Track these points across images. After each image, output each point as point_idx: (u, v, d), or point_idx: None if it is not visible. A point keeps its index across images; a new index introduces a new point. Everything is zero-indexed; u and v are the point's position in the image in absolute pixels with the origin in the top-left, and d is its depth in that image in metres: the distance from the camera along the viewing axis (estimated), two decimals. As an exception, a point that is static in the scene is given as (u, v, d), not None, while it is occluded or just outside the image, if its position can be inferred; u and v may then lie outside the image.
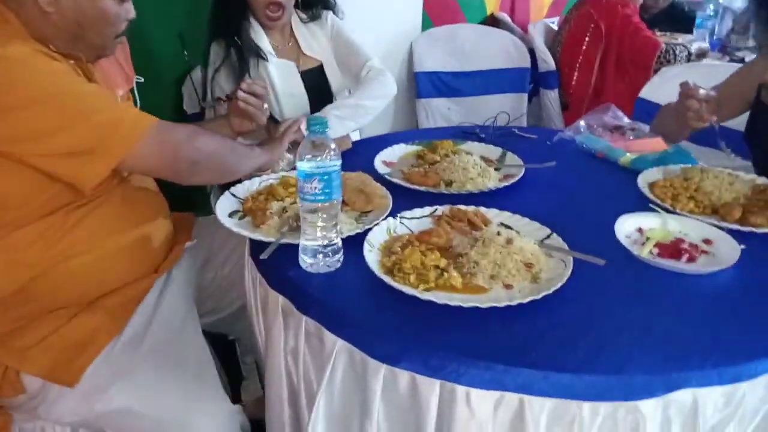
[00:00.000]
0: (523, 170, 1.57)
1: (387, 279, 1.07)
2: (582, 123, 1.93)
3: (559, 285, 1.05)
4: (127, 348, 1.29)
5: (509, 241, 1.15)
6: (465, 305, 1.00)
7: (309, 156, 1.06)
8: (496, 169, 1.59)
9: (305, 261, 1.14)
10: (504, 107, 2.36)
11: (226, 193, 1.40)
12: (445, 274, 1.10)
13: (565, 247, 1.19)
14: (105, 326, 1.27)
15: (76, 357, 1.22)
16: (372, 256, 1.15)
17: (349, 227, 1.27)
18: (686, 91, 1.58)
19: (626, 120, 1.96)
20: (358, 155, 1.71)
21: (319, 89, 1.95)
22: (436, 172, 1.55)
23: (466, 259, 1.15)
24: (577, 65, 2.86)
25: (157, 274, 1.40)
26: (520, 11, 3.58)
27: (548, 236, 1.23)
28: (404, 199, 1.42)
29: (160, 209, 1.46)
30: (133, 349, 1.29)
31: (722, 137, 1.61)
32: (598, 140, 1.82)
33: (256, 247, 1.23)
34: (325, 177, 1.07)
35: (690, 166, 1.56)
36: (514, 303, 1.01)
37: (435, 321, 0.99)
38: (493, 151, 1.72)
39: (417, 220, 1.32)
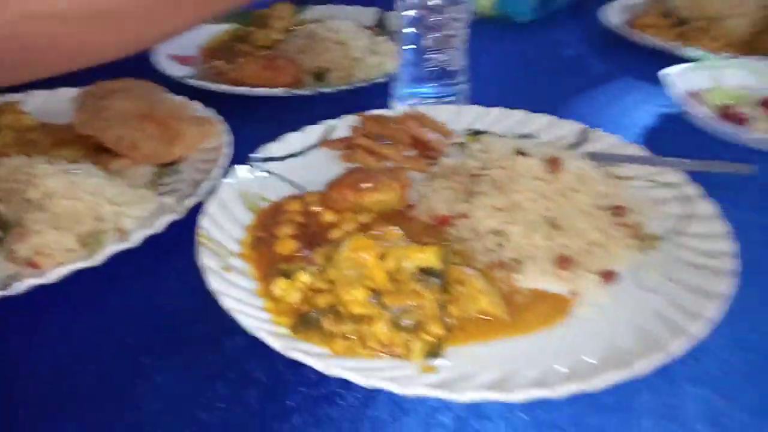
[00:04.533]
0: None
1: (303, 351, 0.35)
2: None
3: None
4: None
5: (554, 165, 0.48)
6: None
7: None
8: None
9: None
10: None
11: None
12: (459, 292, 0.40)
13: (638, 151, 0.56)
14: None
15: None
16: (229, 279, 0.41)
17: (137, 209, 0.49)
18: None
19: None
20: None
21: None
22: (287, 58, 0.79)
23: (469, 232, 0.47)
24: None
25: None
26: None
27: (582, 138, 0.59)
28: (239, 122, 0.67)
29: None
30: None
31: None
32: None
33: None
34: None
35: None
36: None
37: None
38: (363, 13, 0.99)
39: (301, 158, 0.58)
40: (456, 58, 0.67)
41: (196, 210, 0.47)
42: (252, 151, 0.56)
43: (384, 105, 0.70)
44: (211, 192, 0.49)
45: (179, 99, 0.64)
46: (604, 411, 0.35)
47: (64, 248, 0.44)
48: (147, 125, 0.58)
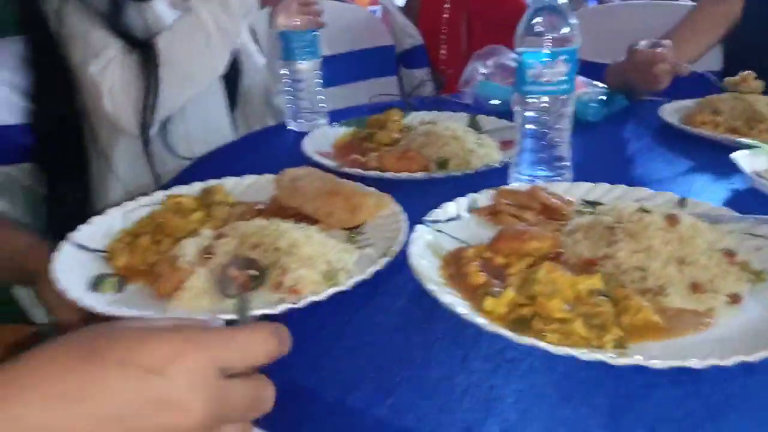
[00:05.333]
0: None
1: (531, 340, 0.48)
2: (477, 71, 1.43)
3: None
4: None
5: (671, 221, 0.63)
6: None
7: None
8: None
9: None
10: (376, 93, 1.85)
11: (67, 244, 0.66)
12: (628, 305, 0.53)
13: (731, 213, 0.70)
14: None
15: None
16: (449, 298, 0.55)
17: (349, 255, 0.64)
18: (652, 58, 1.19)
19: None
20: (273, 149, 1.06)
21: None
22: (415, 150, 0.97)
23: (615, 268, 0.60)
24: (443, 37, 2.47)
25: None
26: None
27: (682, 204, 0.74)
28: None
29: None
30: None
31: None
32: (508, 89, 1.31)
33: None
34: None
35: (711, 97, 1.19)
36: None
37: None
38: (457, 117, 1.19)
39: (454, 222, 0.73)
40: (563, 146, 0.84)
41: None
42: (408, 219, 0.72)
43: (500, 185, 0.86)
44: (405, 244, 0.65)
45: (349, 182, 0.81)
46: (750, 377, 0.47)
47: (313, 281, 0.59)
48: (336, 199, 0.74)
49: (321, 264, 0.61)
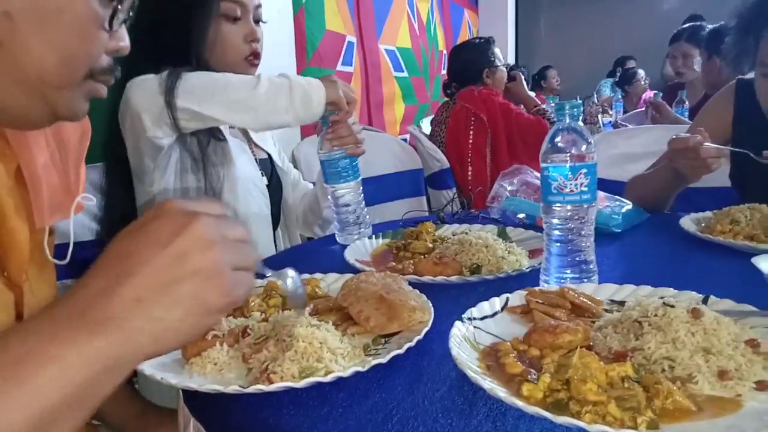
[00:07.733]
0: (547, 242, 1.13)
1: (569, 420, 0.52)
2: (503, 188, 1.52)
3: None
4: None
5: (695, 314, 0.67)
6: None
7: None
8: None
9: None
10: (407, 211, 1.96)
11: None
12: (659, 389, 0.57)
13: (752, 308, 0.74)
14: None
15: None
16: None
17: (345, 360, 0.69)
18: (688, 142, 1.26)
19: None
20: (323, 256, 1.14)
21: (270, 181, 1.49)
22: (450, 257, 1.04)
23: (644, 359, 0.64)
24: (469, 160, 2.63)
25: None
26: (376, 125, 3.38)
27: (705, 302, 0.78)
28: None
29: None
30: None
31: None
32: (533, 204, 1.41)
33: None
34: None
35: (729, 208, 1.25)
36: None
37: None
38: (486, 228, 1.27)
39: (489, 319, 0.78)
40: (588, 251, 0.90)
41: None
42: (443, 322, 0.76)
43: (513, 288, 0.91)
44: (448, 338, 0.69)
45: (408, 288, 0.85)
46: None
47: (290, 373, 0.65)
48: (380, 305, 0.79)
49: (310, 360, 0.67)
